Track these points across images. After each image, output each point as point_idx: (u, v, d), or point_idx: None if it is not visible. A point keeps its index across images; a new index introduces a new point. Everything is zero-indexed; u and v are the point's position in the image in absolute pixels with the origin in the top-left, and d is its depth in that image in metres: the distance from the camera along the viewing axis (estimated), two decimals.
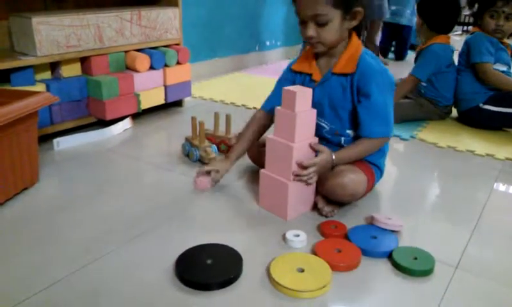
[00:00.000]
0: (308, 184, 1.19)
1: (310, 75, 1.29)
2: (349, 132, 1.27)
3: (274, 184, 1.21)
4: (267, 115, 1.36)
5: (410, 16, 3.61)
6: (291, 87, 1.15)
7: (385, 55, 3.78)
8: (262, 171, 1.24)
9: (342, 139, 1.29)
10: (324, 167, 1.19)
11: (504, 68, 2.00)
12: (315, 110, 1.19)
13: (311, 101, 1.18)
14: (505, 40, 2.06)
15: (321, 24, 1.16)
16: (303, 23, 1.19)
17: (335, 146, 1.29)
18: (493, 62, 1.99)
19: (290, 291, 0.91)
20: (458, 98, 2.08)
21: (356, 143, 1.24)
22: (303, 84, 1.29)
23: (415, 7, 3.42)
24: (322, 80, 1.26)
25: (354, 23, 1.20)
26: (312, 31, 1.17)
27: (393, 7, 3.57)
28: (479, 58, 1.98)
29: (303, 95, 1.14)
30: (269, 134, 1.22)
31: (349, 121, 1.26)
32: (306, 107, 1.16)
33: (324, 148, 1.19)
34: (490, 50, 1.98)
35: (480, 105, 1.99)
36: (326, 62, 1.27)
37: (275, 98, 1.33)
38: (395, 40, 3.79)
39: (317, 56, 1.29)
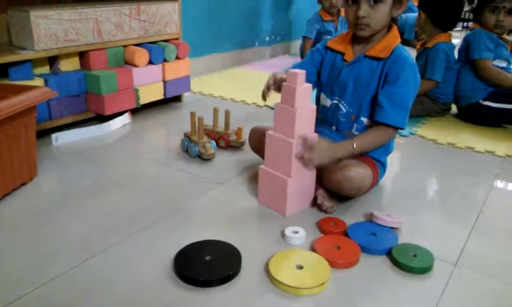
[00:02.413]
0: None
1: (343, 54, 1.30)
2: (363, 119, 1.27)
3: (274, 180, 1.20)
4: None
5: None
6: (290, 83, 1.14)
7: None
8: (261, 167, 1.24)
9: (355, 125, 1.29)
10: (327, 151, 1.17)
11: (504, 64, 1.99)
12: (314, 107, 1.19)
13: (311, 97, 1.17)
14: (505, 36, 2.05)
15: (376, 2, 1.18)
16: (355, 2, 1.20)
17: (344, 132, 1.30)
18: (493, 58, 1.98)
19: (289, 288, 0.91)
20: (458, 94, 2.08)
21: (372, 129, 1.24)
22: (333, 62, 1.32)
23: None
24: (354, 61, 1.27)
25: (400, 11, 1.23)
26: (364, 11, 1.18)
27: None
28: (478, 55, 1.98)
29: (303, 91, 1.14)
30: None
31: (367, 108, 1.26)
32: (306, 103, 1.16)
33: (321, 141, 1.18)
34: (489, 47, 1.97)
35: (480, 101, 1.98)
36: (362, 47, 1.28)
37: (303, 65, 1.36)
38: None
39: (353, 40, 1.30)
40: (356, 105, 1.28)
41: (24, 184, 1.33)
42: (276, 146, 1.19)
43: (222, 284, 0.93)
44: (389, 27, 1.26)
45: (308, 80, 1.18)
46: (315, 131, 1.30)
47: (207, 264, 0.97)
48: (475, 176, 1.51)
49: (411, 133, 1.87)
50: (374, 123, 1.24)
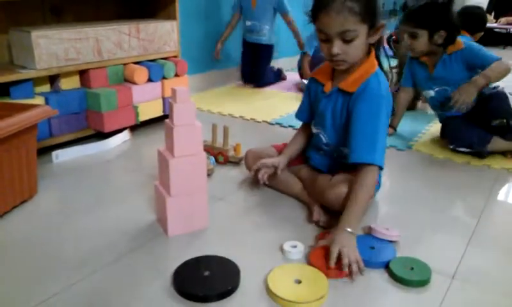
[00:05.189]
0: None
1: (323, 85, 1.29)
2: (342, 148, 1.28)
3: (159, 197, 1.20)
4: (307, 125, 1.41)
5: (269, 34, 2.98)
6: (171, 100, 1.12)
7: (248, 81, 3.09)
8: (155, 183, 1.23)
9: (335, 154, 1.31)
10: (342, 244, 1.03)
11: (428, 97, 1.94)
12: (199, 125, 1.14)
13: (195, 115, 1.14)
14: (425, 58, 1.89)
15: (348, 40, 1.12)
16: (327, 41, 1.14)
17: (329, 158, 1.32)
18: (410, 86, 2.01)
19: (288, 303, 0.91)
20: None
21: (353, 195, 1.12)
22: (316, 93, 1.32)
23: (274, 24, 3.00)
24: (329, 93, 1.26)
25: (376, 37, 1.18)
26: (337, 48, 1.12)
27: (248, 23, 2.97)
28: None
29: (182, 108, 1.11)
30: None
31: (344, 139, 1.24)
32: (187, 121, 1.12)
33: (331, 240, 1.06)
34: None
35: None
36: (341, 76, 1.24)
37: (303, 107, 1.39)
38: (253, 62, 3.05)
39: (333, 70, 1.27)
40: (334, 136, 1.28)
41: (24, 201, 1.34)
42: (161, 162, 1.18)
43: (221, 299, 0.93)
44: (368, 51, 1.21)
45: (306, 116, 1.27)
46: (306, 154, 1.31)
47: (205, 279, 0.98)
48: (471, 189, 1.52)
49: (408, 148, 1.88)
50: (354, 167, 1.17)
